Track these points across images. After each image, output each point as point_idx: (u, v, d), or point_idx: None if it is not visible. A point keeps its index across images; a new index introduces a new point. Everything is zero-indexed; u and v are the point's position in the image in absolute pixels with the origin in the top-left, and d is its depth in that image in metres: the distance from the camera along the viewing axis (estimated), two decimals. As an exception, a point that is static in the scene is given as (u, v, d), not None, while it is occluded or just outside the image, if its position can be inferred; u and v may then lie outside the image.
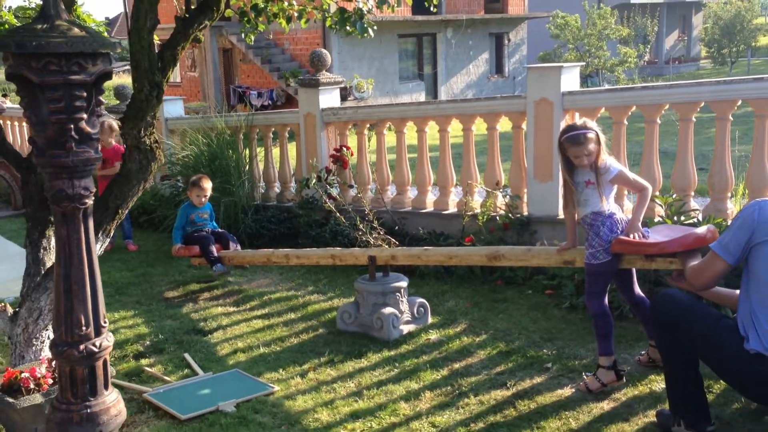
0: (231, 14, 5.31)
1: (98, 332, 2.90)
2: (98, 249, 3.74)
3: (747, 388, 3.03)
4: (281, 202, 7.67)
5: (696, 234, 3.50)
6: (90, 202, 2.81)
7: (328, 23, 4.60)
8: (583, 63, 6.48)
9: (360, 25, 4.37)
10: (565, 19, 26.82)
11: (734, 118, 5.07)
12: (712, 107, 4.98)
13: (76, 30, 2.63)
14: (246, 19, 5.19)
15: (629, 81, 26.89)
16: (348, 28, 4.41)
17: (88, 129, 2.73)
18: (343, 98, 20.37)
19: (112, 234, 3.84)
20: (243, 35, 5.36)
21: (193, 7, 3.85)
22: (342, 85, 7.61)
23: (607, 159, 3.75)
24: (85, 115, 2.70)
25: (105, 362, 2.96)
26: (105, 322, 2.95)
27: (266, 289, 5.99)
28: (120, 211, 3.76)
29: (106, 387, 2.96)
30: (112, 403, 2.96)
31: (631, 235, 3.65)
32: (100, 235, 3.70)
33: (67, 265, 2.83)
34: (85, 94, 2.68)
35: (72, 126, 2.68)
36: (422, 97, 23.45)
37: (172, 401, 3.89)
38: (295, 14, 5.14)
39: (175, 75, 25.98)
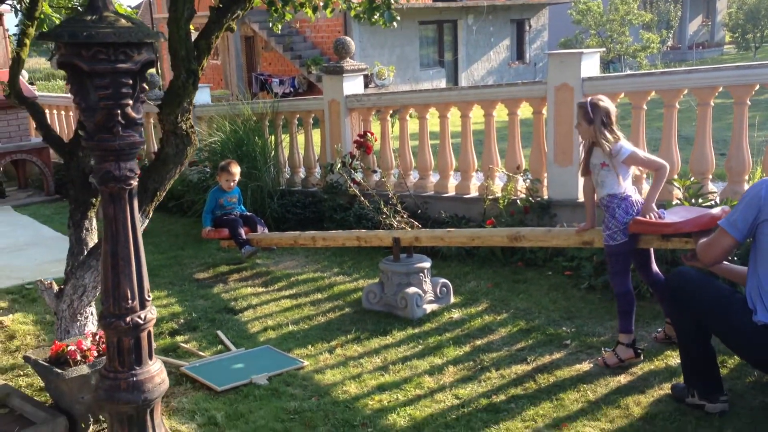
0: (259, 3, 5.47)
1: (143, 305, 3.10)
2: (140, 229, 3.94)
3: (756, 359, 3.16)
4: (306, 187, 7.84)
5: (710, 214, 3.62)
6: (135, 183, 3.00)
7: (353, 13, 4.75)
8: (603, 49, 6.56)
9: (388, 15, 4.51)
10: (587, 5, 26.69)
11: (754, 104, 5.16)
12: (731, 92, 5.07)
13: (122, 21, 2.80)
14: (274, 8, 5.35)
15: (652, 66, 26.75)
16: (376, 16, 4.54)
17: (134, 114, 2.92)
18: (365, 85, 20.51)
19: (150, 215, 4.04)
20: (270, 24, 5.52)
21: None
22: (365, 73, 7.75)
23: (620, 142, 3.87)
24: (131, 101, 2.89)
25: (149, 334, 3.16)
26: (149, 296, 3.15)
27: (293, 270, 6.18)
28: (158, 193, 3.95)
29: (150, 357, 3.16)
30: (156, 372, 3.16)
31: (647, 216, 3.78)
32: (140, 215, 3.89)
33: (114, 243, 3.02)
34: (131, 81, 2.86)
35: (119, 111, 2.86)
36: (443, 84, 23.52)
37: (208, 374, 4.10)
38: (321, 4, 5.29)
39: (198, 63, 26.23)
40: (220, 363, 4.29)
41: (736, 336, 3.15)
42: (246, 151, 7.65)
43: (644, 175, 5.49)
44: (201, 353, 4.48)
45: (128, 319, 3.06)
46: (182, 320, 5.08)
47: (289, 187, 7.91)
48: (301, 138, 8.21)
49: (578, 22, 27.01)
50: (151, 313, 3.14)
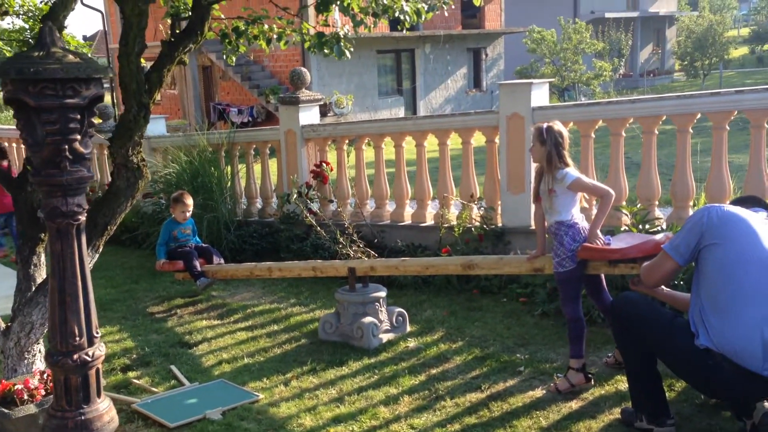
0: (213, 36, 5.50)
1: (91, 342, 3.06)
2: (89, 264, 3.89)
3: (700, 382, 3.25)
4: (263, 218, 7.83)
5: (655, 240, 3.74)
6: (83, 218, 2.99)
7: (306, 45, 4.81)
8: (553, 79, 6.74)
9: (338, 48, 4.58)
10: (541, 34, 27.32)
11: (698, 130, 5.33)
12: (673, 120, 5.24)
13: (70, 57, 2.81)
14: (227, 41, 5.38)
15: (605, 94, 27.43)
16: (326, 50, 4.61)
17: (82, 149, 2.91)
18: (323, 114, 20.58)
19: (101, 249, 3.99)
20: (224, 56, 5.55)
21: (178, 31, 4.04)
22: (321, 103, 7.82)
23: (567, 168, 3.96)
24: (78, 136, 2.88)
25: (98, 371, 3.12)
26: (97, 333, 3.11)
27: (249, 302, 6.15)
28: (109, 227, 3.92)
29: (98, 395, 3.11)
30: (105, 410, 3.11)
31: (593, 242, 3.87)
32: (89, 250, 3.85)
33: (61, 279, 2.99)
34: (78, 116, 2.86)
35: (66, 147, 2.85)
36: (401, 112, 23.76)
37: (161, 410, 4.04)
38: (275, 36, 5.34)
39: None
40: (173, 398, 4.24)
41: (679, 360, 3.23)
42: (202, 183, 7.62)
43: (594, 203, 5.62)
44: (153, 389, 4.41)
45: (76, 356, 3.02)
46: (135, 355, 5.01)
47: (246, 218, 7.89)
48: (258, 168, 8.21)
49: (533, 51, 27.61)
50: (99, 350, 3.10)
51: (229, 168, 8.02)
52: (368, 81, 23.27)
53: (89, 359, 3.04)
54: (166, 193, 7.90)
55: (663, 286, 3.75)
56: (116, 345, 5.22)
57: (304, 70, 7.55)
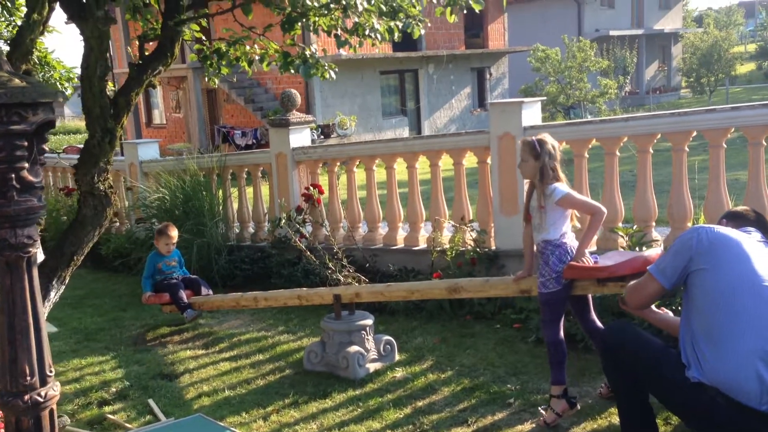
0: (194, 58, 5.38)
1: (44, 382, 2.89)
2: (54, 296, 3.74)
3: (689, 416, 3.04)
4: (255, 242, 7.68)
5: (644, 257, 3.55)
6: (33, 250, 2.82)
7: (264, 66, 4.70)
8: (544, 98, 6.55)
9: (303, 69, 4.44)
10: (545, 52, 27.23)
11: (694, 148, 5.15)
12: (669, 138, 5.06)
13: (16, 81, 2.66)
14: (209, 62, 5.27)
15: (611, 112, 27.25)
16: (291, 70, 4.48)
17: (31, 178, 2.75)
18: (327, 136, 20.52)
19: (67, 280, 3.84)
20: (207, 79, 5.43)
21: (147, 53, 3.91)
22: (312, 125, 7.69)
23: (557, 183, 3.78)
24: (26, 164, 2.73)
25: (51, 412, 2.94)
26: (51, 372, 2.94)
27: (237, 330, 5.97)
28: (75, 257, 3.77)
29: (53, 437, 2.95)
30: (59, 452, 2.95)
31: (579, 261, 3.68)
32: (55, 282, 3.71)
33: (10, 315, 2.83)
34: (26, 143, 2.71)
35: (13, 175, 2.70)
36: (406, 133, 23.66)
37: (131, 448, 3.86)
38: (257, 58, 5.22)
39: (161, 116, 26.16)
40: (146, 435, 4.05)
41: (671, 394, 3.03)
42: (193, 207, 7.49)
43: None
44: (127, 425, 4.23)
45: (27, 397, 2.84)
46: (113, 389, 4.83)
47: (239, 242, 7.74)
48: (250, 192, 8.08)
49: (537, 70, 27.50)
50: (53, 389, 2.93)
51: (221, 192, 7.88)
52: (372, 102, 23.21)
53: (41, 400, 2.86)
54: (158, 218, 7.77)
55: (655, 309, 3.55)
56: (95, 377, 5.05)
57: (294, 92, 7.43)
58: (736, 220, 3.22)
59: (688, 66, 33.74)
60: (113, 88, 3.84)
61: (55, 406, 2.96)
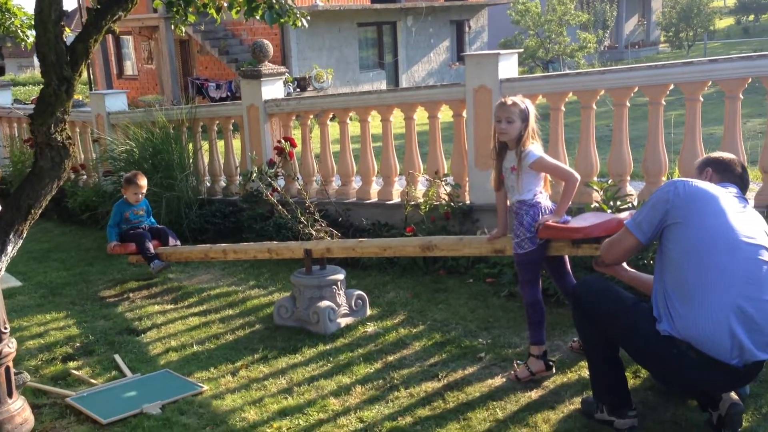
0: (159, 5, 5.17)
1: (-2, 338, 2.81)
2: (11, 250, 3.62)
3: (658, 370, 3.03)
4: (227, 196, 7.54)
5: (619, 218, 3.50)
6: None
7: (234, 15, 4.51)
8: (521, 50, 6.43)
9: (269, 15, 4.26)
10: (525, 5, 26.90)
11: (671, 102, 5.08)
12: (645, 92, 4.98)
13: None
14: (174, 9, 5.06)
15: (590, 66, 27.07)
16: (257, 16, 4.30)
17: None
18: (303, 89, 20.19)
19: (24, 234, 3.71)
20: (173, 27, 5.22)
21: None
22: (285, 77, 7.50)
23: (531, 146, 3.72)
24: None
25: (8, 369, 2.87)
26: (6, 328, 2.86)
27: (206, 285, 5.88)
28: (33, 210, 3.63)
29: (10, 395, 2.87)
30: (16, 411, 2.87)
31: (551, 220, 3.63)
32: (12, 236, 3.58)
33: (-39, 270, 2.73)
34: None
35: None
36: (383, 86, 23.36)
37: (95, 405, 3.78)
38: (225, 4, 5.02)
39: (133, 68, 25.57)
40: (111, 391, 3.98)
41: (641, 348, 3.01)
42: (162, 160, 7.31)
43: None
44: (92, 380, 4.15)
45: (-20, 354, 2.77)
46: (78, 344, 4.74)
47: (210, 197, 7.60)
48: (221, 145, 7.91)
49: (517, 23, 27.21)
50: (8, 346, 2.84)
51: (191, 145, 7.70)
52: (349, 55, 22.85)
53: (-4, 357, 2.78)
54: (126, 171, 7.59)
55: (627, 267, 3.52)
56: (60, 333, 4.96)
57: (266, 42, 7.22)
58: (721, 172, 3.15)
59: (668, 20, 33.56)
60: (69, 34, 3.65)
61: (11, 363, 2.89)
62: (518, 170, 3.72)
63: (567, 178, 3.73)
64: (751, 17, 45.93)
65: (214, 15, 5.08)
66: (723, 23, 41.76)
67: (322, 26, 21.24)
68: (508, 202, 3.94)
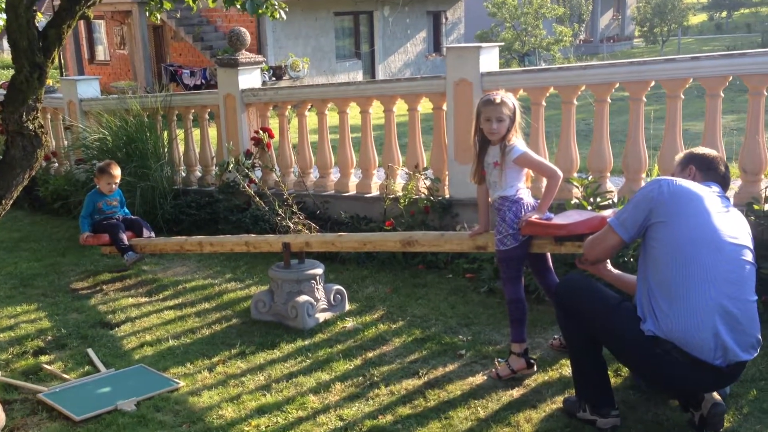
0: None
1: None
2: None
3: (642, 370, 3.02)
4: (203, 187, 7.43)
5: (602, 216, 3.48)
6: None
7: (210, 3, 4.41)
8: (502, 43, 6.41)
9: (250, 4, 4.17)
10: (502, -3, 26.87)
11: (653, 97, 5.08)
12: (627, 88, 4.98)
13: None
14: (150, -4, 4.94)
15: (565, 60, 27.19)
16: (237, 5, 4.21)
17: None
18: (278, 77, 19.98)
19: (-5, 226, 3.59)
20: (148, 14, 5.10)
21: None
22: (262, 65, 7.38)
23: (514, 140, 3.69)
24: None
25: (-23, 367, 2.77)
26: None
27: (182, 277, 5.78)
28: (3, 201, 3.52)
29: (-21, 393, 2.78)
30: (-14, 409, 2.78)
31: (534, 217, 3.61)
32: (-19, 227, 3.46)
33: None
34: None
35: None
36: (360, 76, 23.22)
37: (68, 401, 3.69)
38: (203, -9, 4.91)
39: (105, 53, 25.11)
40: (85, 387, 3.89)
41: (624, 348, 3.00)
42: (136, 149, 7.17)
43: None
44: (65, 375, 4.05)
45: (-52, 352, 2.67)
46: (50, 337, 4.63)
47: (185, 187, 7.48)
48: (197, 134, 7.78)
49: (494, 15, 27.18)
50: (-22, 343, 2.75)
51: (166, 134, 7.56)
52: (325, 44, 22.65)
53: (-35, 355, 2.68)
54: (99, 159, 7.43)
55: (611, 268, 3.51)
56: (31, 325, 4.84)
57: (243, 30, 7.10)
58: (705, 171, 3.13)
59: (642, 15, 33.78)
60: (42, 19, 3.53)
61: (-20, 362, 2.78)
62: (501, 165, 3.69)
63: (550, 174, 3.71)
64: (724, 14, 46.47)
65: (191, 3, 4.96)
66: (696, 19, 42.18)
67: (298, 15, 21.03)
68: (490, 198, 3.91)
